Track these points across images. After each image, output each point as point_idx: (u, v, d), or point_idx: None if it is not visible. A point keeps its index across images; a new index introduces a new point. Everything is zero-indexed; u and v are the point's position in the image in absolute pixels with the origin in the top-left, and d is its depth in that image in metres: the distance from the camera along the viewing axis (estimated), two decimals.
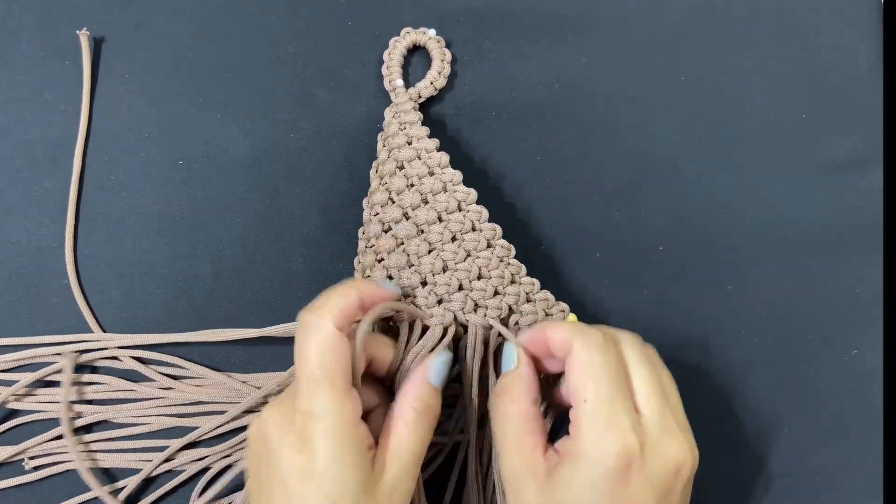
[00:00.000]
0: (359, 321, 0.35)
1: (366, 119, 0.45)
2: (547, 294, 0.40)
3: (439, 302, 0.39)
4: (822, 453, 0.43)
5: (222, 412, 0.42)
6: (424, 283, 0.39)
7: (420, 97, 0.44)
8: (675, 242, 0.45)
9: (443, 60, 0.45)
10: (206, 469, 0.42)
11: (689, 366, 0.44)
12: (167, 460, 0.42)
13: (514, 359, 0.37)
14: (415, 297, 0.39)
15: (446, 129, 0.46)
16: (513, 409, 0.35)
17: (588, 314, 0.44)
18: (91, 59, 0.45)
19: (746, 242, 0.45)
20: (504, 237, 0.43)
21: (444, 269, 0.39)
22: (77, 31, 0.44)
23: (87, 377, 0.43)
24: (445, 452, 0.41)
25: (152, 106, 0.45)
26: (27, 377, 0.42)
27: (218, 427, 0.42)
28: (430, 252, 0.39)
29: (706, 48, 0.47)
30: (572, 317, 0.40)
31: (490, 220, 0.43)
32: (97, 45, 0.46)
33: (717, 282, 0.45)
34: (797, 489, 0.43)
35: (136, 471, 0.42)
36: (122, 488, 0.42)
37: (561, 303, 0.40)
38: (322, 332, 0.33)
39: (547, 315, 0.40)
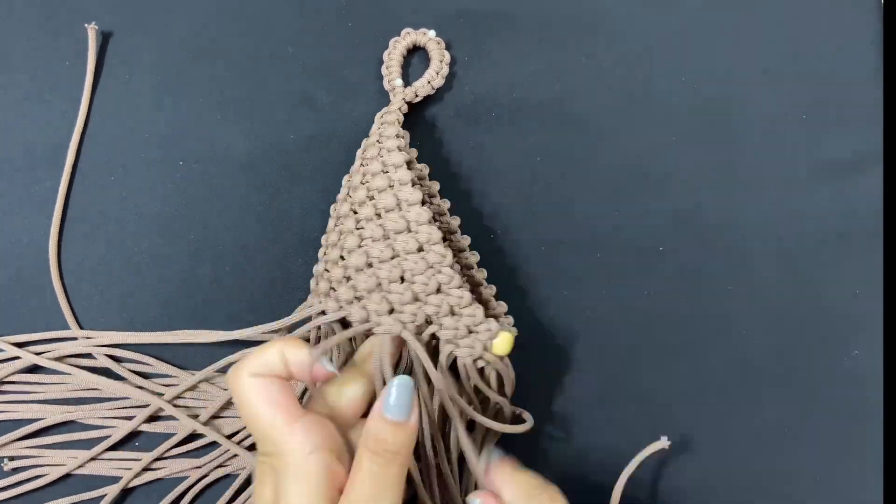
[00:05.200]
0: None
1: (366, 119, 0.45)
2: (475, 311, 0.37)
3: (358, 299, 0.38)
4: (822, 453, 0.43)
5: (195, 415, 0.42)
6: (348, 279, 0.38)
7: (417, 96, 0.44)
8: (675, 242, 0.45)
9: (441, 61, 0.45)
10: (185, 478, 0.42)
11: (689, 366, 0.44)
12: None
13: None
14: (338, 291, 0.38)
15: (446, 130, 0.46)
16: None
17: (588, 314, 0.44)
18: (96, 54, 0.45)
19: (746, 242, 0.45)
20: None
21: (369, 266, 0.38)
22: (86, 25, 0.44)
23: (51, 377, 0.42)
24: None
25: (152, 106, 0.45)
26: None
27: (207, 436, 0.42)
28: (359, 247, 0.38)
29: (706, 48, 0.47)
30: (506, 336, 0.37)
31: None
32: (97, 45, 0.46)
33: (717, 282, 0.45)
34: (797, 489, 0.43)
35: (109, 477, 0.42)
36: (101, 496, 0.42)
37: (490, 321, 0.37)
38: (238, 381, 0.33)
39: (470, 332, 0.37)
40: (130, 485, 0.42)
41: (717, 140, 0.46)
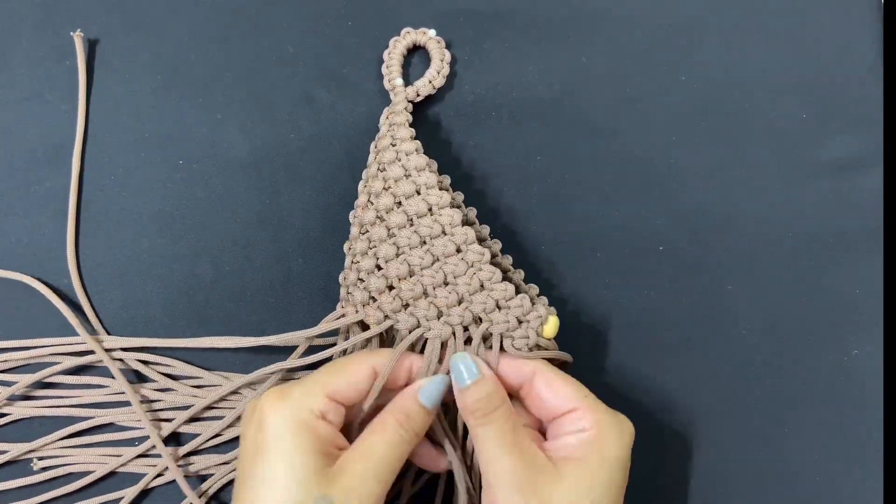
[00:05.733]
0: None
1: (366, 119, 0.45)
2: (522, 301, 0.38)
3: (405, 307, 0.39)
4: (822, 453, 0.43)
5: (221, 416, 0.42)
6: (391, 288, 0.39)
7: (418, 95, 0.44)
8: (675, 242, 0.45)
9: (442, 60, 0.45)
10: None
11: (689, 366, 0.44)
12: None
13: (472, 369, 0.36)
14: (381, 301, 0.39)
15: (446, 129, 0.46)
16: (501, 412, 0.35)
17: (588, 314, 0.44)
18: (86, 60, 0.45)
19: (746, 242, 0.45)
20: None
21: (411, 274, 0.38)
22: (71, 33, 0.44)
23: (87, 379, 0.43)
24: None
25: (152, 106, 0.45)
26: (27, 378, 0.42)
27: (218, 436, 0.43)
28: (397, 256, 0.39)
29: (706, 48, 0.47)
30: (554, 319, 0.38)
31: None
32: (98, 45, 0.46)
33: (717, 282, 0.45)
34: (797, 489, 0.43)
35: (136, 475, 0.42)
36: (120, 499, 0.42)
37: (538, 307, 0.38)
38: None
39: (520, 323, 0.38)
40: (155, 483, 0.42)
41: (717, 140, 0.46)
